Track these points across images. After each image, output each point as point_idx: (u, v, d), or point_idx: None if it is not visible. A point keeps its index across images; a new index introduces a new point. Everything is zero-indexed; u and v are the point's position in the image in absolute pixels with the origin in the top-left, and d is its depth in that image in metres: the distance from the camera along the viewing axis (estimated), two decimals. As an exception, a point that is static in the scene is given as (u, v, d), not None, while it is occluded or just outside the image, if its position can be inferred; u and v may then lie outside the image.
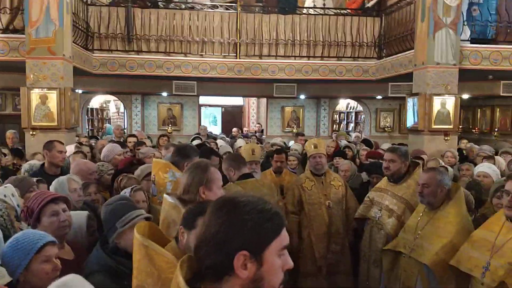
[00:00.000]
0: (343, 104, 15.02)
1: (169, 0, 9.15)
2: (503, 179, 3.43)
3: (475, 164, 5.14)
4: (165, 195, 2.32)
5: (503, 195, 2.64)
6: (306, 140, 6.29)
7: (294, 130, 11.48)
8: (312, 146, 4.40)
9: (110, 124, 14.96)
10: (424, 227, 3.13)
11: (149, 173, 3.46)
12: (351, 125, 14.93)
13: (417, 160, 4.64)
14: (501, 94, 9.16)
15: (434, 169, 3.34)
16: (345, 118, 15.48)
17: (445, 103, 6.50)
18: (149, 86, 10.13)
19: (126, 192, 3.19)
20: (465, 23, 6.87)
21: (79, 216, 2.71)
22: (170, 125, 11.32)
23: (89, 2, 8.40)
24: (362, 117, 13.40)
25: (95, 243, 2.38)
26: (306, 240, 4.35)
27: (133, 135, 8.03)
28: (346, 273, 4.34)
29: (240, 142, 8.26)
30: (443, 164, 5.18)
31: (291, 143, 8.56)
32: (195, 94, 10.31)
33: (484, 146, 6.88)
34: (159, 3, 9.00)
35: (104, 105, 15.72)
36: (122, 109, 13.82)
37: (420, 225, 3.18)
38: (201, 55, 8.75)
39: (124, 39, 8.53)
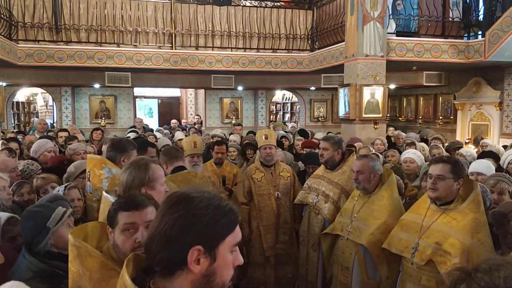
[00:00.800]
0: (279, 95, 15.30)
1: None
2: (427, 164, 3.72)
3: (400, 151, 5.49)
4: (105, 194, 2.21)
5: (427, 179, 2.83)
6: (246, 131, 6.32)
7: (233, 121, 11.54)
8: (263, 137, 4.39)
9: (38, 118, 14.11)
10: (359, 211, 3.30)
11: (84, 171, 3.32)
12: (287, 115, 15.29)
13: (351, 148, 4.90)
14: (424, 84, 9.79)
15: (367, 156, 3.53)
16: (282, 109, 15.82)
17: (374, 93, 6.84)
18: (80, 78, 9.70)
19: (59, 190, 3.09)
20: (391, 16, 7.24)
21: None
22: (103, 118, 10.91)
23: (10, -11, 7.88)
24: (297, 107, 13.75)
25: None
26: (255, 231, 4.39)
27: (64, 130, 7.67)
28: (294, 263, 4.38)
29: (179, 134, 8.20)
30: (373, 151, 5.49)
31: (232, 135, 8.62)
32: (130, 85, 10.02)
33: (410, 133, 7.38)
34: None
35: (31, 98, 14.80)
36: (50, 102, 13.10)
37: (356, 208, 3.35)
38: (135, 45, 8.53)
39: (52, 29, 8.10)
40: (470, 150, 5.77)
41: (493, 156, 5.08)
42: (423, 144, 5.80)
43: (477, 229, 2.54)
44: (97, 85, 10.29)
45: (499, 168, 4.58)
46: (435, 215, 2.70)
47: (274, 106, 16.21)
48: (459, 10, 7.85)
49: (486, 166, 3.87)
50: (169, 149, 3.79)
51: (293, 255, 4.39)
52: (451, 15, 7.79)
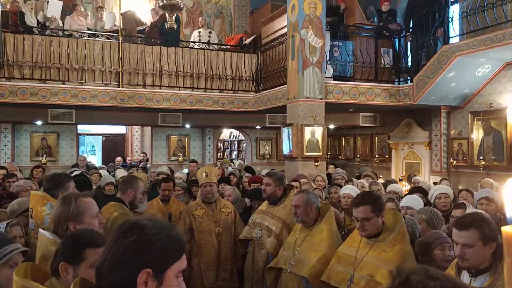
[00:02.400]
0: (226, 133, 15.58)
1: (44, 27, 8.78)
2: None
3: (341, 187, 5.83)
4: (41, 231, 2.20)
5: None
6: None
7: (180, 159, 11.59)
8: (204, 175, 4.45)
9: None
10: (301, 244, 3.43)
11: (28, 208, 3.33)
12: (235, 153, 15.53)
13: (292, 183, 5.15)
14: (361, 124, 10.44)
15: (303, 191, 3.75)
16: (229, 146, 16.06)
17: (315, 133, 7.25)
18: (22, 114, 9.43)
19: (0, 227, 3.05)
20: (329, 62, 7.81)
21: None
22: (44, 156, 10.59)
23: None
24: (244, 145, 14.06)
25: None
26: (195, 269, 4.36)
27: (3, 167, 7.43)
28: None
29: (120, 172, 8.12)
30: (315, 187, 5.80)
31: (178, 173, 8.66)
32: (74, 122, 9.87)
33: (337, 169, 7.83)
34: (34, 29, 8.58)
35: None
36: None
37: (298, 242, 3.48)
38: (81, 83, 8.51)
39: (-7, 65, 7.95)
40: (398, 186, 6.23)
41: (422, 191, 5.55)
42: (363, 181, 6.20)
43: (404, 258, 2.72)
44: (39, 122, 10.05)
45: (427, 203, 5.02)
46: (367, 248, 2.87)
47: (221, 144, 16.43)
48: (389, 58, 8.58)
49: (415, 201, 4.24)
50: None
51: None
52: (383, 61, 8.50)
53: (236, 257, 4.50)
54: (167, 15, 5.32)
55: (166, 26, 5.68)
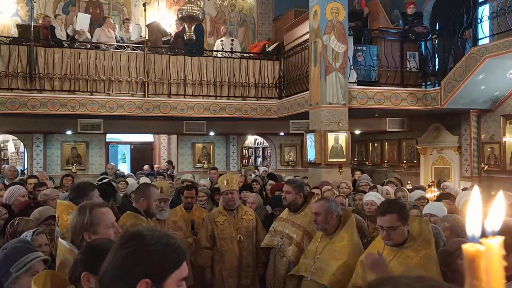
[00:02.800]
0: (251, 140, 15.62)
1: (73, 40, 9.06)
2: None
3: (365, 193, 5.72)
4: (60, 239, 2.23)
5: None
6: (220, 175, 6.47)
7: (205, 166, 11.68)
8: (225, 182, 4.48)
9: (8, 164, 13.90)
10: (322, 252, 3.40)
11: (50, 216, 3.40)
12: (259, 159, 15.55)
13: (313, 191, 5.10)
14: (388, 129, 10.25)
15: (323, 198, 3.71)
16: (254, 153, 16.10)
17: (338, 139, 7.17)
18: (52, 125, 9.76)
19: (27, 235, 3.13)
20: (352, 67, 7.71)
21: None
22: (74, 165, 10.88)
23: (-14, 40, 8.07)
24: (268, 152, 14.04)
25: None
26: (217, 275, 4.40)
27: (34, 176, 7.66)
28: None
29: (143, 180, 8.22)
30: (337, 193, 5.71)
31: (202, 180, 8.74)
32: (102, 132, 10.12)
33: (362, 176, 7.69)
34: (64, 42, 8.87)
35: (2, 145, 14.65)
36: (22, 149, 12.99)
37: (318, 249, 3.45)
38: (108, 93, 8.73)
39: (26, 78, 8.24)
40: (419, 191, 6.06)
41: (450, 198, 5.39)
42: (388, 187, 6.07)
43: (428, 264, 2.68)
44: (69, 132, 10.35)
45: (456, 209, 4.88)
46: (391, 255, 2.82)
47: (246, 151, 16.48)
48: (415, 61, 8.41)
49: (438, 208, 4.12)
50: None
51: None
52: (408, 65, 8.34)
53: (258, 264, 4.51)
54: (185, 26, 5.38)
55: (185, 37, 5.75)
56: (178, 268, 1.25)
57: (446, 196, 5.55)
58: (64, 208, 2.92)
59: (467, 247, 0.57)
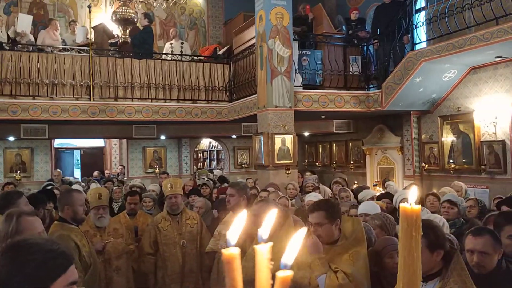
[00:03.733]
0: (205, 143, 15.60)
1: (14, 42, 8.73)
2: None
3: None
4: None
5: None
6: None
7: (157, 170, 11.55)
8: (169, 187, 4.49)
9: None
10: None
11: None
12: (214, 163, 15.55)
13: (261, 193, 5.19)
14: (335, 131, 10.55)
15: (262, 200, 3.81)
16: (208, 156, 16.09)
17: (285, 141, 7.31)
18: (-7, 130, 9.37)
19: None
20: (297, 71, 7.90)
21: None
22: (18, 172, 10.48)
23: None
24: (222, 154, 14.08)
25: None
26: (160, 281, 4.40)
27: (-28, 185, 7.35)
28: None
29: (93, 186, 8.07)
30: (281, 195, 5.84)
31: (151, 185, 8.62)
32: (47, 137, 9.80)
33: (308, 177, 7.90)
34: (4, 44, 8.53)
35: None
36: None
37: None
38: (51, 97, 8.46)
39: (-39, 82, 7.88)
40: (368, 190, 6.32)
41: (389, 197, 5.64)
42: (325, 187, 6.27)
43: (356, 259, 2.76)
44: (11, 138, 9.95)
45: (394, 209, 5.10)
46: (324, 253, 2.85)
47: (201, 154, 16.45)
48: (358, 65, 8.72)
49: (372, 207, 4.31)
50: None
51: None
52: (351, 69, 8.63)
53: (202, 269, 4.52)
54: (120, 29, 5.33)
55: (120, 40, 5.70)
56: (63, 274, 1.24)
57: (385, 196, 5.81)
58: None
59: (224, 251, 0.66)
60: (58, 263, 1.24)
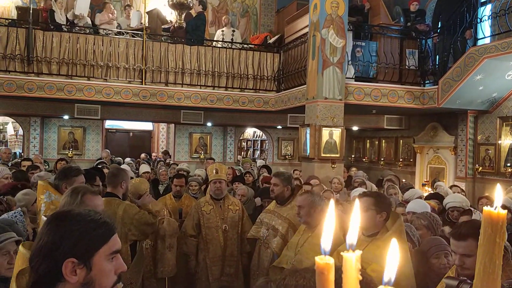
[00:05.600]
0: (250, 132, 15.62)
1: (73, 24, 9.03)
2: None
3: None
4: (43, 217, 2.31)
5: None
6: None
7: (202, 156, 11.68)
8: (214, 171, 4.54)
9: (6, 147, 13.98)
10: (303, 244, 3.41)
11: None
12: (257, 152, 15.55)
13: (304, 187, 5.10)
14: (385, 127, 10.21)
15: (308, 192, 3.73)
16: (252, 146, 16.11)
17: (333, 134, 7.14)
18: (50, 109, 9.77)
19: (15, 215, 3.15)
20: (350, 62, 7.67)
21: None
22: (71, 149, 10.91)
23: (-15, 21, 8.06)
24: (266, 145, 14.03)
25: None
26: (201, 263, 4.47)
27: (28, 159, 7.71)
28: None
29: (144, 167, 8.28)
30: (326, 189, 5.71)
31: (197, 170, 8.71)
32: (99, 118, 10.12)
33: (358, 172, 7.67)
34: (63, 26, 8.84)
35: (1, 127, 14.74)
36: (21, 132, 13.04)
37: (300, 242, 3.46)
38: (105, 79, 8.71)
39: (24, 60, 8.23)
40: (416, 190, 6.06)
41: (438, 197, 5.38)
42: (372, 184, 6.08)
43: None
44: (66, 116, 10.36)
45: (443, 210, 4.88)
46: (363, 245, 2.86)
47: (245, 143, 16.50)
48: (414, 59, 8.35)
49: (421, 206, 4.11)
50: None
51: None
52: (407, 63, 8.28)
53: (242, 254, 4.57)
54: (175, 13, 5.35)
55: (175, 25, 5.72)
56: (106, 243, 1.25)
57: (433, 196, 5.54)
58: (40, 189, 2.97)
59: (317, 260, 0.58)
60: (101, 233, 1.25)
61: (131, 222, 3.51)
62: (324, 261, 0.58)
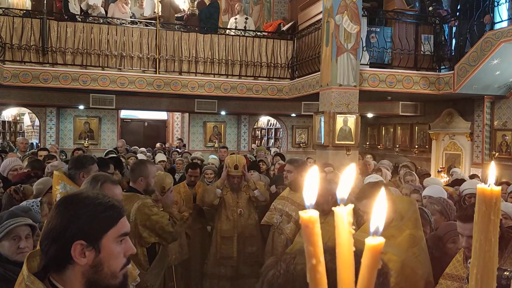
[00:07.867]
0: (264, 120, 15.61)
1: (87, 14, 9.08)
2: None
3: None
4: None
5: None
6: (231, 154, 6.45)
7: (216, 145, 11.74)
8: (233, 167, 4.57)
9: (23, 137, 14.23)
10: None
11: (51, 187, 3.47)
12: (271, 141, 15.55)
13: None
14: (400, 113, 10.10)
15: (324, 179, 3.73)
16: (266, 134, 16.12)
17: (347, 121, 7.09)
18: (65, 99, 9.90)
19: (32, 205, 3.19)
20: (365, 48, 7.57)
21: None
22: (87, 139, 11.06)
23: (0, 13, 8.13)
24: (280, 133, 14.02)
25: None
26: (214, 241, 4.64)
27: (45, 149, 7.83)
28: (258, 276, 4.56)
29: (159, 156, 8.36)
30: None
31: (210, 157, 8.75)
32: (114, 107, 10.22)
33: (383, 160, 7.61)
34: (77, 16, 8.90)
35: (18, 118, 14.97)
36: (37, 122, 13.25)
37: None
38: (119, 69, 8.77)
39: (39, 51, 8.33)
40: (436, 179, 6.01)
41: (460, 184, 5.31)
42: (387, 171, 6.04)
43: (412, 243, 2.65)
44: (81, 107, 10.48)
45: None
46: None
47: (259, 132, 16.51)
48: (430, 45, 8.21)
49: (438, 191, 4.08)
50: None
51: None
52: (422, 48, 8.15)
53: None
54: (188, 1, 5.36)
55: (188, 12, 5.73)
56: (114, 226, 1.26)
57: (456, 183, 5.46)
58: (55, 179, 2.99)
59: (301, 214, 0.59)
60: (109, 215, 1.26)
61: (144, 224, 3.26)
62: (308, 214, 0.59)
